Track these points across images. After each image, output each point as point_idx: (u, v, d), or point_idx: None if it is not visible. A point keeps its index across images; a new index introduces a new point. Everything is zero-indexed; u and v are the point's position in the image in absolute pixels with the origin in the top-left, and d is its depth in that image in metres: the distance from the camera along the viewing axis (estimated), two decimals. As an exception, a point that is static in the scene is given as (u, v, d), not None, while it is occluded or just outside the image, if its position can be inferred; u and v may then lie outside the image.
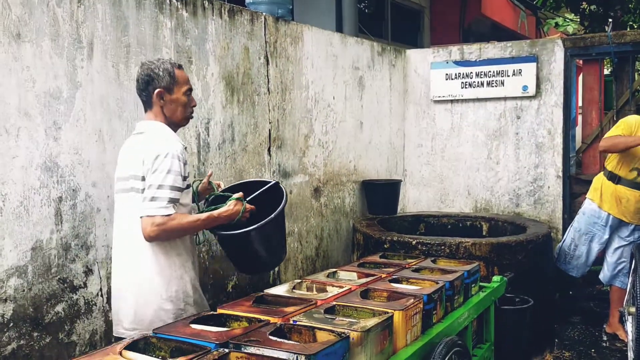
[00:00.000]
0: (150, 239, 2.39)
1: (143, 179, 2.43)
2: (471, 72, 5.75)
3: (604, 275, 4.65)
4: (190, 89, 2.63)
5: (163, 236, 2.40)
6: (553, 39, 5.62)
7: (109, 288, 2.93)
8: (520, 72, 5.52)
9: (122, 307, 2.48)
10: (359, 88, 5.24)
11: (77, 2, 2.78)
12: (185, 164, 2.49)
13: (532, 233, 4.41)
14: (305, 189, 4.53)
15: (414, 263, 3.31)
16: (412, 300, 2.46)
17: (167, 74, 2.53)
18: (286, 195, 2.85)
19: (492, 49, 5.72)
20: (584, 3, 6.86)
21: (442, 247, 4.07)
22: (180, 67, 2.61)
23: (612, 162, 4.55)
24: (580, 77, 5.76)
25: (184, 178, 2.49)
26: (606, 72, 6.42)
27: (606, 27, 7.20)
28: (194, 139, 3.49)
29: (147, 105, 2.57)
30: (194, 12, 3.47)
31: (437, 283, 2.78)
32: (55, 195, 2.68)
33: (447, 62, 5.86)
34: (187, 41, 3.42)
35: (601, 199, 4.59)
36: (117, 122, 2.99)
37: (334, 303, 2.42)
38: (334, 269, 3.13)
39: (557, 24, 9.46)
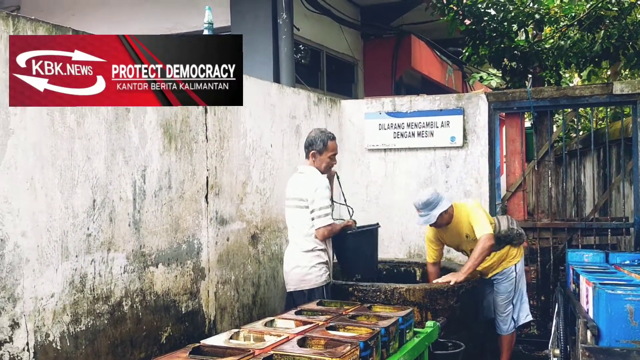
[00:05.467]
0: (323, 237, 4.08)
1: (307, 200, 4.06)
2: (403, 123, 6.00)
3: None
4: (334, 154, 4.21)
5: (329, 236, 4.11)
6: (477, 93, 5.98)
7: (36, 342, 2.81)
8: (448, 124, 5.82)
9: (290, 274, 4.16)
10: (296, 136, 5.35)
11: (13, 49, 2.75)
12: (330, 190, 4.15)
13: (463, 278, 4.56)
14: (243, 236, 4.53)
15: (350, 310, 3.35)
16: (349, 347, 2.50)
17: (322, 142, 4.13)
18: (377, 226, 4.51)
19: (422, 102, 6.01)
20: (505, 59, 7.35)
21: (378, 293, 4.15)
22: (334, 138, 4.21)
23: None
24: (504, 129, 6.13)
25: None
26: (527, 124, 6.87)
27: (526, 83, 7.73)
28: (130, 186, 3.45)
29: (306, 156, 4.20)
30: (132, 61, 3.49)
31: (373, 329, 2.83)
32: (-19, 245, 2.57)
33: (380, 113, 6.10)
34: (125, 89, 3.42)
35: None
36: (50, 169, 2.93)
37: (272, 352, 2.42)
38: (272, 317, 3.14)
39: (481, 78, 10.04)
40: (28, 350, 2.77)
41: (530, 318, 4.94)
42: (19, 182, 2.76)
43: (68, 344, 2.99)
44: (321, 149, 4.14)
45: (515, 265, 4.76)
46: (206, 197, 4.12)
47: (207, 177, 4.14)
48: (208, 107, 4.16)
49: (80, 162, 3.09)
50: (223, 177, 4.31)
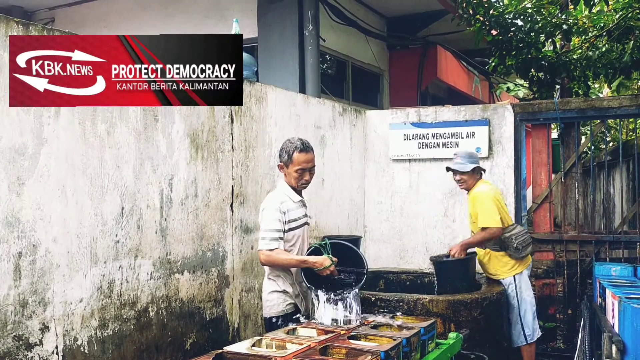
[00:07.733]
0: (261, 262, 3.52)
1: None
2: (428, 133, 6.00)
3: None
4: (304, 169, 3.50)
5: (267, 264, 3.51)
6: (503, 104, 5.95)
7: (65, 346, 2.88)
8: (473, 135, 5.80)
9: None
10: (320, 146, 5.39)
11: (48, 61, 2.85)
12: (284, 212, 3.48)
13: (487, 290, 4.53)
14: (267, 245, 4.57)
15: (372, 319, 3.36)
16: (369, 357, 2.51)
17: (286, 154, 3.50)
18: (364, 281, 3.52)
19: (447, 112, 6.00)
20: (532, 70, 7.29)
21: (401, 304, 4.15)
22: (302, 150, 3.48)
23: None
24: (530, 141, 6.08)
25: (285, 222, 3.48)
26: (554, 135, 6.79)
27: (554, 93, 7.65)
28: (157, 195, 3.52)
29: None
30: (161, 72, 3.58)
31: (395, 340, 2.84)
32: (15, 250, 2.67)
33: (405, 124, 6.11)
34: (153, 100, 3.51)
35: None
36: (81, 177, 3.02)
37: (294, 360, 2.45)
38: (294, 326, 3.16)
39: (508, 89, 9.98)
40: (57, 353, 2.85)
41: (538, 333, 4.81)
42: (51, 190, 2.85)
43: (95, 348, 3.06)
44: (286, 161, 3.52)
45: (514, 277, 4.67)
46: (231, 205, 4.19)
47: (232, 186, 4.20)
48: (234, 117, 4.23)
49: (109, 170, 3.18)
50: (248, 186, 4.37)
